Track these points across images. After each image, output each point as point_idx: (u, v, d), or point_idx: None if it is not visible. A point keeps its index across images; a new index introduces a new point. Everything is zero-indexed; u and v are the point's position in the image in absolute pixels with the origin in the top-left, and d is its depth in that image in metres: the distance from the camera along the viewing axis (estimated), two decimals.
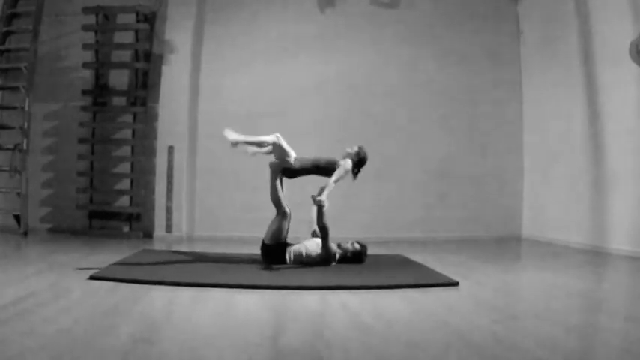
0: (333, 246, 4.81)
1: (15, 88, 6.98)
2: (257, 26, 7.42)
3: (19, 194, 6.82)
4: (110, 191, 7.25)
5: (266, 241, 4.77)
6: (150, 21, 7.27)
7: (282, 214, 4.77)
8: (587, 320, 3.20)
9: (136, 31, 7.29)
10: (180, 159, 7.09)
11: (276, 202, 4.81)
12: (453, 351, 2.52)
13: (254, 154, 5.03)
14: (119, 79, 7.34)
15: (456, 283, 4.01)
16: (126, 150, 7.27)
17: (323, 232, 4.70)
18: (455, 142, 7.56)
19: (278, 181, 4.86)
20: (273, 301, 3.49)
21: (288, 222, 4.78)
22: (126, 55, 7.36)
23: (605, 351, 2.61)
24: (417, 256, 5.34)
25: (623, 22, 5.74)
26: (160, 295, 3.59)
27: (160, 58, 7.21)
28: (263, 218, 4.99)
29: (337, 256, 4.83)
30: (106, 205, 7.23)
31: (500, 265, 5.23)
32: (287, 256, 4.71)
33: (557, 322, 3.02)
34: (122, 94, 7.31)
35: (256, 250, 4.93)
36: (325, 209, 4.66)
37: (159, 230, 7.04)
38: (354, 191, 7.29)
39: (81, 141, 7.13)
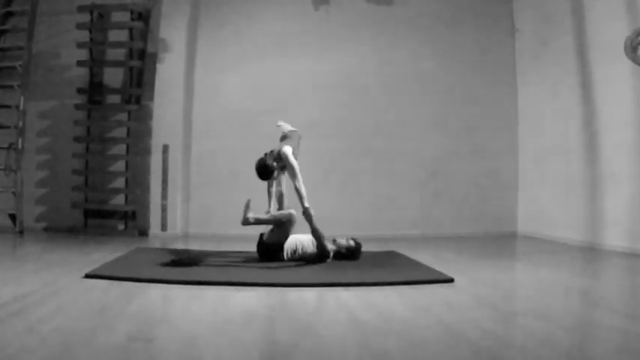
0: (328, 244, 4.81)
1: (9, 87, 6.95)
2: (252, 24, 7.41)
3: (14, 193, 6.81)
4: (105, 190, 7.24)
5: (265, 240, 4.75)
6: (144, 19, 7.26)
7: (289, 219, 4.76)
8: (586, 317, 3.20)
9: (131, 29, 7.27)
10: (175, 157, 7.07)
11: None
12: (450, 348, 2.53)
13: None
14: (114, 77, 7.32)
15: (451, 280, 4.02)
16: (121, 148, 7.25)
17: (315, 236, 4.70)
18: (451, 140, 7.56)
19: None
20: (269, 299, 3.49)
21: (293, 226, 4.76)
22: (120, 54, 7.34)
23: (604, 349, 2.60)
24: (412, 254, 5.33)
25: (618, 18, 5.75)
26: (155, 293, 3.60)
27: (155, 56, 7.19)
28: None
29: (331, 253, 4.83)
30: (102, 204, 7.21)
31: (497, 262, 5.23)
32: (284, 254, 4.72)
33: (555, 319, 3.03)
34: (117, 92, 7.29)
35: (252, 248, 4.93)
36: (314, 214, 4.65)
37: (154, 228, 7.02)
38: (351, 188, 7.35)
39: (76, 139, 7.11)
